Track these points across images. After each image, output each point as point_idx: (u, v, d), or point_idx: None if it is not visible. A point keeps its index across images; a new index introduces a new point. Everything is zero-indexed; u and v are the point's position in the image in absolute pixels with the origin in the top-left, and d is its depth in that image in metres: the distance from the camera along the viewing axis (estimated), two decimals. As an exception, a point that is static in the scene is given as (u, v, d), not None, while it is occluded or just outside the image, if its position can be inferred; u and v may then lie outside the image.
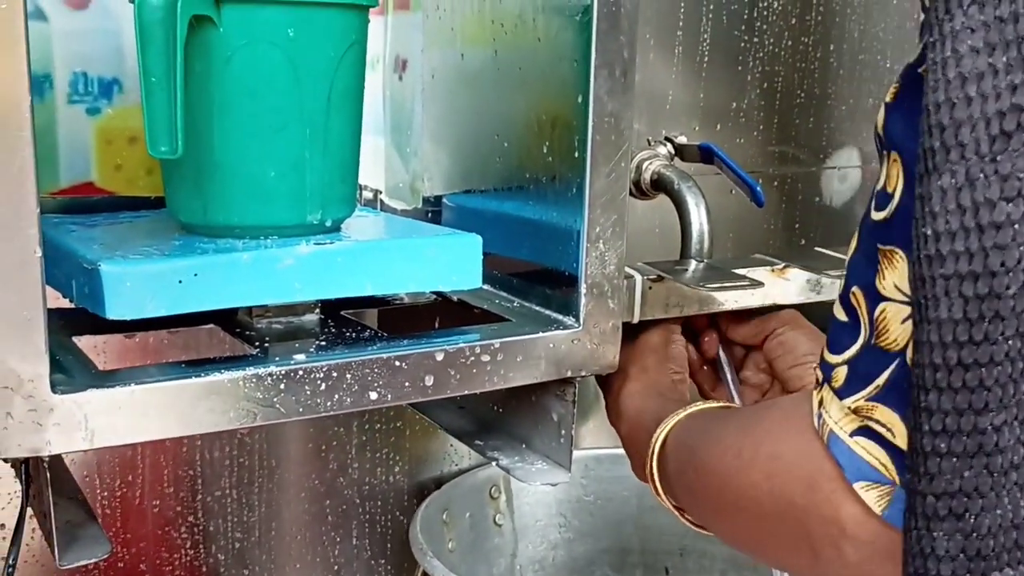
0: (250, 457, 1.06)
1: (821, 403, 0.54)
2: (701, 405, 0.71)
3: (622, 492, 1.22)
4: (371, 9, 0.74)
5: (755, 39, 1.24)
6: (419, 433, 1.15)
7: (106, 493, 0.99)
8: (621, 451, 1.21)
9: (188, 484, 1.03)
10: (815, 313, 0.87)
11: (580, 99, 0.70)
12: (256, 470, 1.06)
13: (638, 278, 0.78)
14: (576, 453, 1.21)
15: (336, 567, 1.13)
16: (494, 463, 0.78)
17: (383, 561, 1.15)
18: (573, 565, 1.22)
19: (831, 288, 0.86)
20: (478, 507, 1.14)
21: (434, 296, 0.85)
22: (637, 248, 0.84)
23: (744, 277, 0.79)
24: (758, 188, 0.87)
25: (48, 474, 0.62)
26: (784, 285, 0.84)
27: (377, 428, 1.12)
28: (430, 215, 0.92)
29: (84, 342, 0.71)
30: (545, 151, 0.75)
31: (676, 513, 0.73)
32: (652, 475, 0.72)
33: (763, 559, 0.66)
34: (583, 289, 0.72)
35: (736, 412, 0.69)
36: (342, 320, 0.75)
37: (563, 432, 0.76)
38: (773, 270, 0.84)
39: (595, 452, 1.22)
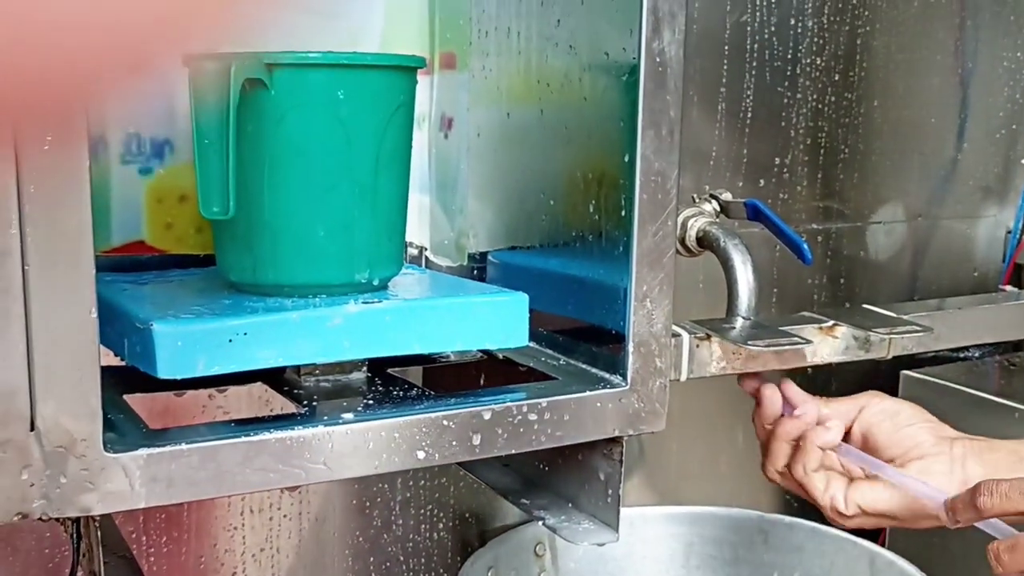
0: (294, 513, 1.06)
1: None
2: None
3: (667, 550, 1.21)
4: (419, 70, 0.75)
5: (798, 95, 1.25)
6: (463, 490, 1.14)
7: (152, 549, 0.99)
8: (668, 509, 1.22)
9: (232, 540, 1.03)
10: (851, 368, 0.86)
11: (627, 158, 0.71)
12: (300, 526, 1.06)
13: (685, 336, 0.78)
14: (623, 510, 1.21)
15: (380, 625, 1.13)
16: (540, 523, 0.78)
17: (427, 619, 1.15)
18: (618, 624, 1.21)
19: (880, 346, 0.85)
20: (523, 565, 1.13)
21: (480, 354, 0.85)
22: (681, 302, 0.83)
23: (792, 335, 0.79)
24: (805, 246, 0.87)
25: (99, 533, 0.62)
26: (833, 343, 0.83)
27: (421, 484, 1.12)
28: (475, 272, 0.93)
29: (135, 401, 0.72)
30: (591, 209, 0.76)
31: None
32: None
33: None
34: (630, 347, 0.72)
35: None
36: (389, 378, 0.75)
37: (610, 491, 0.76)
38: (821, 328, 0.83)
39: (640, 510, 1.21)
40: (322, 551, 1.08)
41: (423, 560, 1.13)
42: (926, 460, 0.81)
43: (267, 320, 0.66)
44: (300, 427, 0.62)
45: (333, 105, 0.69)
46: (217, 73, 0.64)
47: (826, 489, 0.82)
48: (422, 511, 1.12)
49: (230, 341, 0.64)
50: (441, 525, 1.14)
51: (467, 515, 1.15)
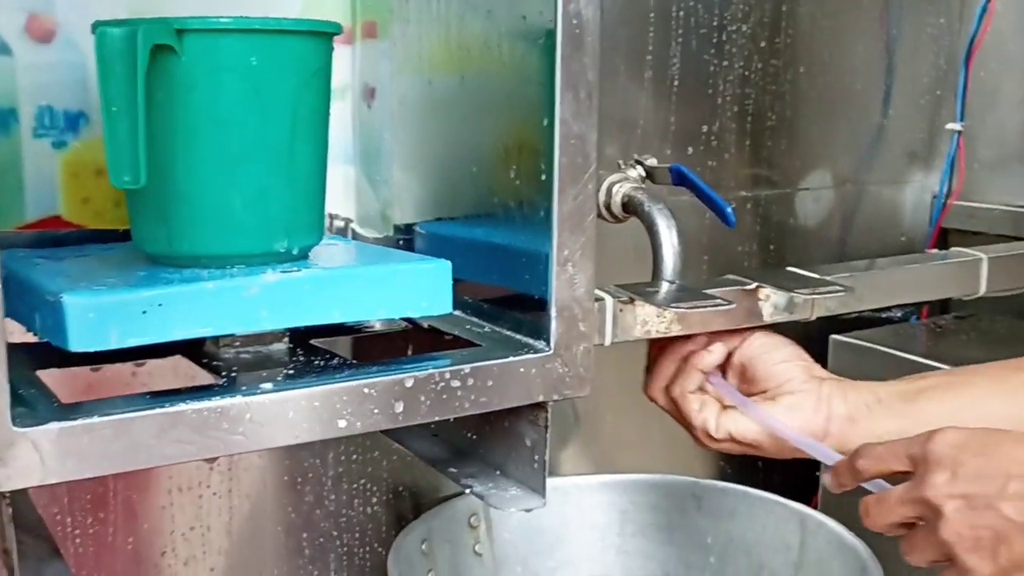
0: (224, 491, 1.04)
1: None
2: None
3: (603, 518, 1.21)
4: (339, 37, 0.73)
5: (725, 62, 1.25)
6: (396, 463, 1.14)
7: (78, 531, 0.98)
8: (602, 478, 1.22)
9: (161, 519, 1.02)
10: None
11: (546, 122, 0.70)
12: (231, 503, 1.05)
13: (609, 300, 0.78)
14: (557, 480, 1.21)
15: (314, 601, 1.12)
16: (468, 490, 0.78)
17: (362, 594, 1.14)
18: (555, 594, 1.21)
19: (803, 307, 0.86)
20: (458, 537, 1.13)
21: (405, 324, 0.85)
22: (611, 272, 0.83)
23: (716, 297, 0.79)
24: (728, 209, 0.87)
25: (10, 510, 0.61)
26: (757, 305, 0.84)
27: (354, 459, 1.11)
28: (401, 243, 0.92)
29: (55, 379, 0.70)
30: (513, 175, 0.75)
31: None
32: None
33: None
34: (553, 312, 0.72)
35: None
36: (311, 349, 0.74)
37: (537, 458, 0.76)
38: (745, 290, 0.84)
39: (575, 479, 1.22)
40: (254, 528, 1.07)
41: (357, 535, 1.13)
42: (796, 396, 0.84)
43: (182, 291, 0.65)
44: (217, 398, 0.61)
45: (246, 72, 0.68)
46: (124, 39, 0.63)
47: (700, 411, 0.85)
48: (355, 486, 1.12)
49: (144, 312, 0.63)
50: (375, 500, 1.13)
51: (401, 489, 1.15)
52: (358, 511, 1.12)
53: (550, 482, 1.18)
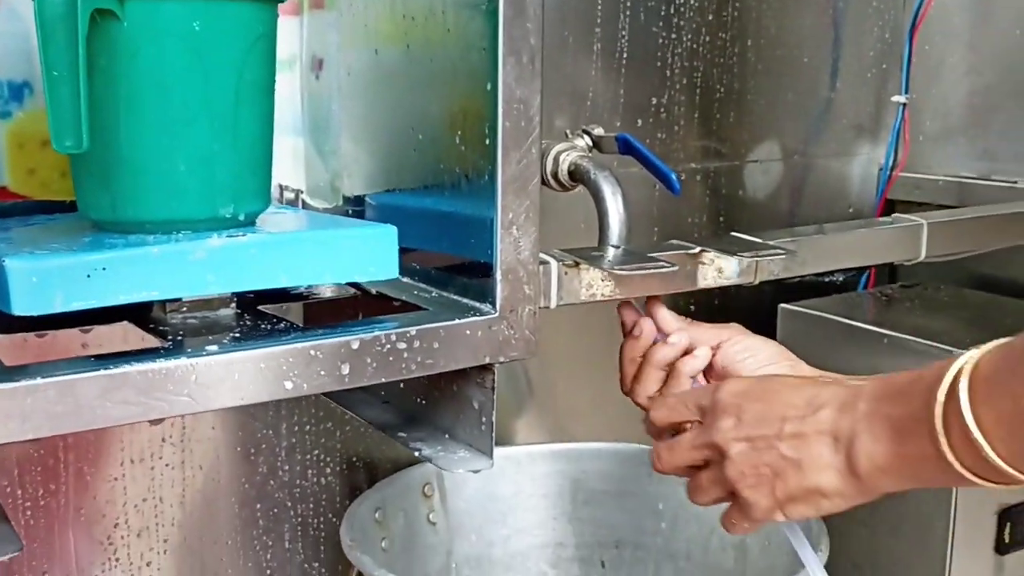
0: (176, 462, 1.05)
1: None
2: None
3: (556, 487, 1.22)
4: (286, 8, 0.74)
5: (673, 35, 1.26)
6: (350, 434, 1.14)
7: (29, 503, 0.98)
8: (554, 446, 1.23)
9: (113, 490, 1.02)
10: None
11: (489, 87, 0.71)
12: (184, 475, 1.05)
13: (554, 264, 0.79)
14: (510, 449, 1.22)
15: (269, 571, 1.12)
16: (417, 453, 0.79)
17: (317, 564, 1.15)
18: (509, 562, 1.22)
19: (747, 271, 0.87)
20: (412, 506, 1.14)
21: (355, 291, 0.85)
22: (561, 242, 0.84)
23: (659, 260, 0.80)
24: (673, 176, 0.88)
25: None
26: (701, 269, 0.85)
27: (307, 429, 1.12)
28: (351, 214, 0.93)
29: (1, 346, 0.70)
30: (458, 141, 0.76)
31: (990, 458, 0.62)
32: (956, 409, 0.62)
33: None
34: (498, 275, 0.73)
35: None
36: (259, 314, 0.75)
37: (484, 419, 0.77)
38: (689, 254, 0.85)
39: (528, 448, 1.23)
40: (207, 499, 1.08)
41: (311, 505, 1.13)
42: None
43: (126, 254, 0.65)
44: (162, 360, 0.62)
45: (189, 38, 0.68)
46: (64, 3, 0.63)
47: None
48: (308, 456, 1.12)
49: (88, 276, 0.63)
50: (328, 470, 1.14)
51: (355, 459, 1.15)
52: (312, 482, 1.13)
53: (503, 451, 1.21)
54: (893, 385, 0.67)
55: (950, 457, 0.62)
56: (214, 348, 0.64)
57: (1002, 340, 0.63)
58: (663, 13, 1.24)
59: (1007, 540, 1.12)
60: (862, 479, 0.68)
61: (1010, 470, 0.61)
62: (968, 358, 0.62)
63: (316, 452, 1.13)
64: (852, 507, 0.71)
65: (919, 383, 0.65)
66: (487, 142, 0.72)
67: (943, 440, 0.62)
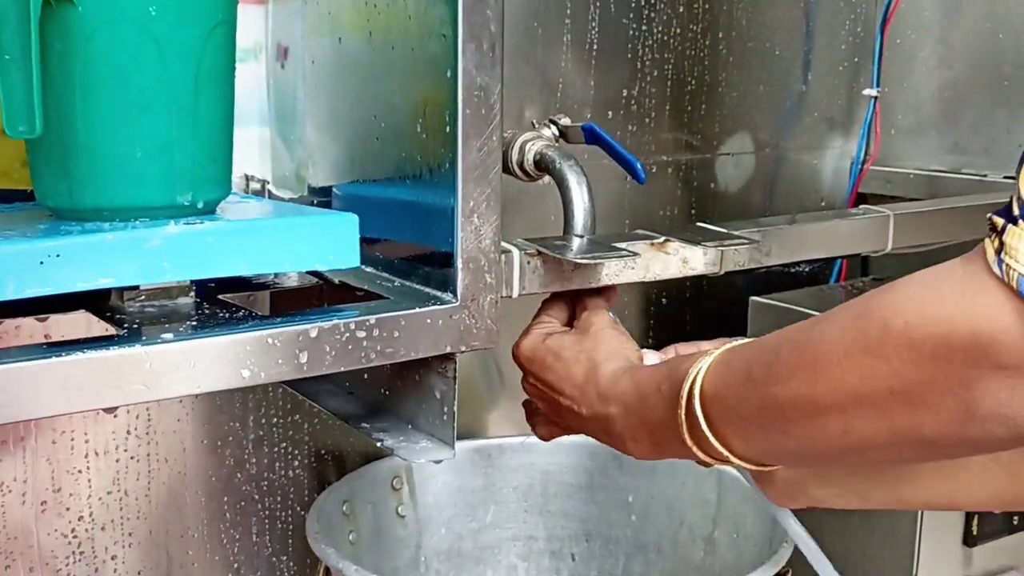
0: (142, 454, 1.04)
1: (1002, 249, 0.49)
2: (735, 341, 0.69)
3: (526, 480, 1.22)
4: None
5: (644, 27, 1.26)
6: (318, 427, 1.14)
7: (-8, 496, 0.97)
8: (524, 439, 1.23)
9: (77, 483, 1.01)
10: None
11: (449, 74, 0.71)
12: (149, 467, 1.05)
13: (516, 252, 0.79)
14: (479, 443, 1.22)
15: (236, 565, 1.12)
16: (379, 443, 0.78)
17: (284, 558, 1.14)
18: (479, 555, 1.22)
19: (713, 261, 0.87)
20: (380, 499, 1.14)
21: (316, 279, 0.85)
22: (534, 235, 0.84)
23: (622, 249, 0.80)
24: (638, 165, 0.88)
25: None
26: (664, 259, 0.85)
27: (275, 422, 1.11)
28: (316, 204, 0.92)
29: None
30: (419, 130, 0.76)
31: (733, 460, 0.68)
32: (696, 423, 0.67)
33: (886, 436, 0.57)
34: (459, 264, 0.72)
35: (846, 306, 0.59)
36: (218, 303, 0.74)
37: (446, 409, 0.76)
38: (653, 244, 0.85)
39: (498, 441, 1.23)
40: (173, 492, 1.07)
41: (279, 498, 1.13)
42: None
43: (81, 241, 0.64)
44: (116, 348, 0.61)
45: (145, 22, 0.67)
46: (16, -14, 0.62)
47: None
48: (276, 449, 1.12)
49: (41, 263, 0.62)
50: (296, 463, 1.13)
51: (323, 452, 1.15)
52: (280, 474, 1.12)
53: (473, 444, 1.21)
54: (640, 393, 0.74)
55: (706, 459, 0.69)
56: (169, 336, 0.64)
57: (724, 348, 0.68)
58: (634, 5, 1.24)
59: (975, 532, 1.12)
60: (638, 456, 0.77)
61: (756, 465, 0.68)
62: (698, 370, 0.67)
63: (284, 445, 1.12)
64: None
65: (660, 398, 0.70)
66: (448, 130, 0.72)
67: (694, 447, 0.68)
